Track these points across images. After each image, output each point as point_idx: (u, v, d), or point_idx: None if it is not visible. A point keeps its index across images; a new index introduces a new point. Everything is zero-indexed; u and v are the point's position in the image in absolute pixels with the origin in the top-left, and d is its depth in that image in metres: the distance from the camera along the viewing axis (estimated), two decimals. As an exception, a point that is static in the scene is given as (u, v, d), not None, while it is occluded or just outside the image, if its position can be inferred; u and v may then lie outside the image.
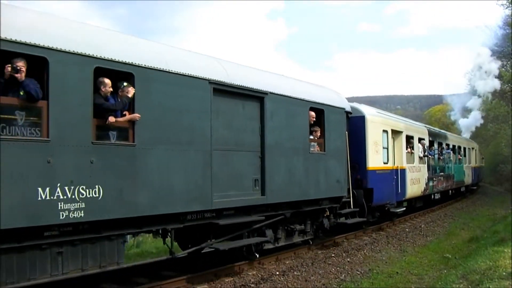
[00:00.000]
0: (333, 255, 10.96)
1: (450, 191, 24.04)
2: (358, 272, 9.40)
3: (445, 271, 9.39)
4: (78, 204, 5.86)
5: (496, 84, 35.18)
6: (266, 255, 10.03)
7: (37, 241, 5.74)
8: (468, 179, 28.54)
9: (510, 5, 26.69)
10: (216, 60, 8.76)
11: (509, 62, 32.36)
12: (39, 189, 5.49)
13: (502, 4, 27.55)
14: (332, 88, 12.76)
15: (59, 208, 5.66)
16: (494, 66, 36.04)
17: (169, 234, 7.66)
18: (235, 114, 8.55)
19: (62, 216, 5.70)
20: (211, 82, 7.95)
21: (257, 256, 9.52)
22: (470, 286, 7.26)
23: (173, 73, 7.26)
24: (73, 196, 5.81)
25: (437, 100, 72.67)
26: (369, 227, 14.44)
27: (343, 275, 9.13)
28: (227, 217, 8.41)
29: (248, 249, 9.31)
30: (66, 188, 5.74)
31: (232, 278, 8.62)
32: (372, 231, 14.56)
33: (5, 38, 5.29)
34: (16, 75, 5.47)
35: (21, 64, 5.50)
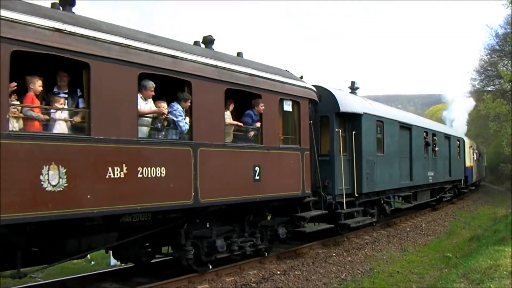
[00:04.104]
0: (334, 254, 10.98)
1: (479, 180, 37.84)
2: (359, 271, 9.42)
3: (446, 270, 9.41)
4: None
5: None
6: (268, 255, 10.05)
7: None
8: (483, 173, 42.57)
9: (511, 5, 26.72)
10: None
11: (509, 61, 32.37)
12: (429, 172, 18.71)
13: (503, 4, 27.61)
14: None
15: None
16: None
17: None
18: (443, 144, 21.68)
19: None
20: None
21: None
22: (470, 285, 7.28)
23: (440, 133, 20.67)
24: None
25: (438, 99, 72.42)
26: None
27: (344, 274, 9.15)
28: (441, 184, 21.17)
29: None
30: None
31: (233, 278, 8.63)
32: (373, 229, 14.59)
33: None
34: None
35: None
